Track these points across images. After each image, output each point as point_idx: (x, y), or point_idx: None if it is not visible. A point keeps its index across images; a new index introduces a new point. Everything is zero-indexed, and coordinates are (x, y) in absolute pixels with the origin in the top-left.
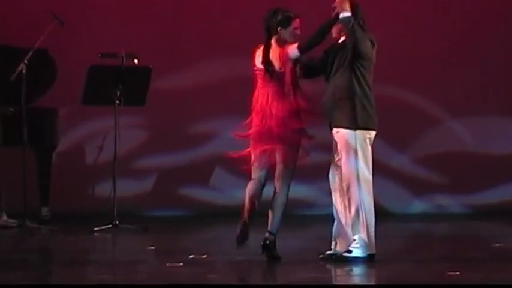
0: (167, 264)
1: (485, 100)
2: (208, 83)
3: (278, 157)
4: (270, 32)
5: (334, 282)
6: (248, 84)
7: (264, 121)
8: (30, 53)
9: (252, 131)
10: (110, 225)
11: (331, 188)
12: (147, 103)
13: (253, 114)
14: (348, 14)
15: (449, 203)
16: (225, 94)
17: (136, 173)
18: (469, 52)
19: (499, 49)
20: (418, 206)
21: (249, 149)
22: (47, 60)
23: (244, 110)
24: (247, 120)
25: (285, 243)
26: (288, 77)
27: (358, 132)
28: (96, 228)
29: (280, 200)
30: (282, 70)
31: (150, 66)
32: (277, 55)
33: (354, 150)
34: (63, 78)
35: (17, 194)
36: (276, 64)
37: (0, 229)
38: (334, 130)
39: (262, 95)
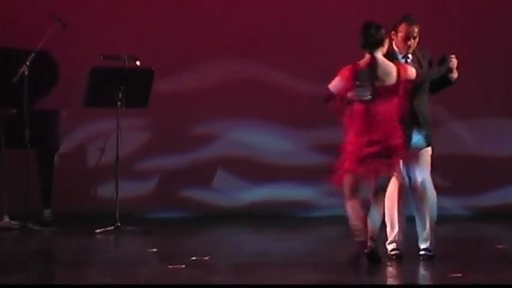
0: (169, 266)
1: (488, 102)
2: (210, 85)
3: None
4: (376, 47)
5: (337, 283)
6: (249, 86)
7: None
8: (32, 55)
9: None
10: (112, 227)
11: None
12: (149, 105)
13: None
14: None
15: (452, 205)
16: (226, 96)
17: (139, 175)
18: (471, 52)
19: (501, 49)
20: None
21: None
22: (49, 62)
23: (245, 111)
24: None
25: (286, 245)
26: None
27: None
28: (98, 230)
29: None
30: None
31: (153, 68)
32: (393, 70)
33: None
34: (65, 80)
35: (19, 196)
36: (389, 79)
37: (2, 231)
38: (426, 149)
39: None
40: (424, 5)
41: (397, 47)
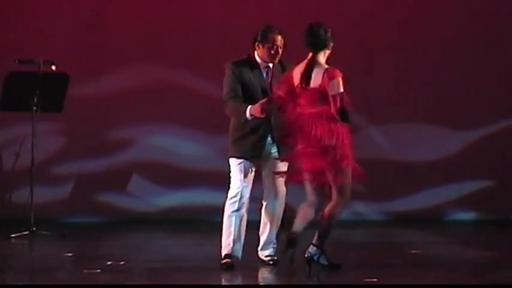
0: (85, 271)
1: (403, 107)
2: (126, 89)
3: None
4: (317, 49)
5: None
6: (166, 91)
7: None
8: None
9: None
10: (27, 232)
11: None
12: (65, 109)
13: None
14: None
15: (366, 210)
16: (142, 100)
17: (54, 180)
18: (388, 57)
19: (419, 54)
20: None
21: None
22: None
23: (161, 116)
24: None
25: (203, 249)
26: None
27: None
28: (13, 235)
29: None
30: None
31: (68, 73)
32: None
33: None
34: None
35: None
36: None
37: None
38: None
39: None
40: (338, 8)
41: (260, 56)
